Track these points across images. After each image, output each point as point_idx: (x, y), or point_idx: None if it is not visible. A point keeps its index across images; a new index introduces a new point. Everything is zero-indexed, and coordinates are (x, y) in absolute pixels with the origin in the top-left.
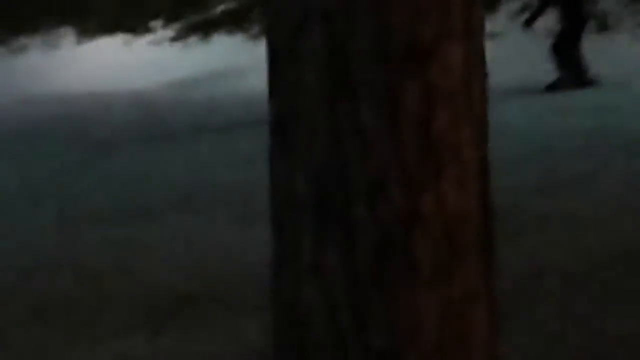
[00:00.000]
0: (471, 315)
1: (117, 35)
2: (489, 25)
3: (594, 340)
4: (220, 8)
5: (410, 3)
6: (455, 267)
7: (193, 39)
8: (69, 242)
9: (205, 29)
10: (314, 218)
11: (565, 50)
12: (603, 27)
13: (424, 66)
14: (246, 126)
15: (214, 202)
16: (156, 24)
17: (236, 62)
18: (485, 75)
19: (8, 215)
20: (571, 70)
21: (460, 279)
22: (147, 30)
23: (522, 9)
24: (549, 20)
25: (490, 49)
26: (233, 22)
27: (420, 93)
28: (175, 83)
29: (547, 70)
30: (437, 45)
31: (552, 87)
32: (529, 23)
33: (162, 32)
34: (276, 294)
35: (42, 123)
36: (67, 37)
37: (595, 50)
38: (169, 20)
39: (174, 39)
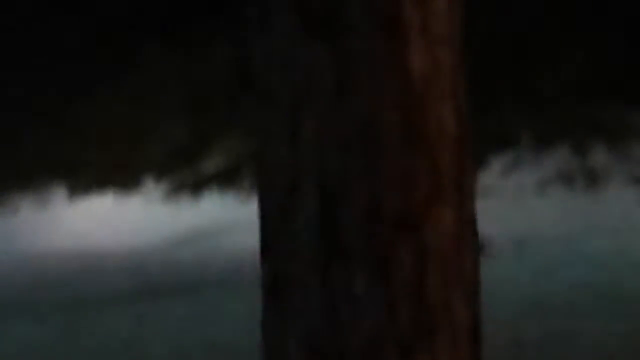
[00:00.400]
0: None
1: (109, 191)
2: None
3: None
4: (211, 167)
5: (401, 168)
6: None
7: (183, 197)
8: None
9: (196, 186)
10: None
11: None
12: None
13: (416, 231)
14: (236, 285)
15: None
16: (147, 179)
17: (226, 220)
18: (476, 234)
19: None
20: None
21: None
22: (138, 185)
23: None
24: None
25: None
26: (225, 179)
27: (413, 257)
28: (166, 241)
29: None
30: (429, 209)
31: None
32: None
33: (153, 188)
34: None
35: (34, 283)
36: (56, 195)
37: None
38: (158, 179)
39: (165, 198)
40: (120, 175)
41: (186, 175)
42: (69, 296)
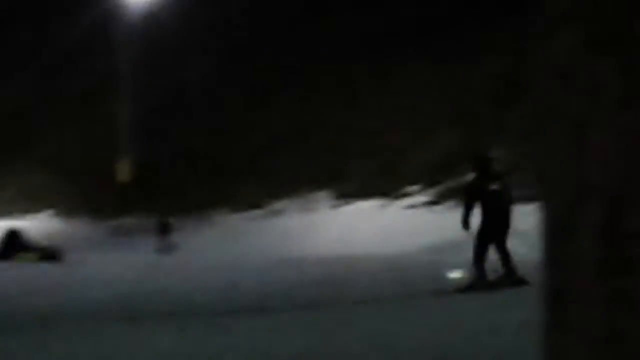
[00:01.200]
0: None
1: (371, 199)
2: None
3: None
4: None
5: None
6: None
7: (448, 203)
8: None
9: (459, 192)
10: None
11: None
12: None
13: None
14: (502, 293)
15: None
16: (412, 189)
17: None
18: None
19: None
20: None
21: None
22: (403, 195)
23: None
24: None
25: None
26: None
27: None
28: (429, 248)
29: None
30: None
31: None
32: (465, 225)
33: (416, 197)
34: None
35: (298, 286)
36: (322, 200)
37: None
38: (424, 186)
39: (429, 204)
40: (384, 184)
41: (451, 183)
42: (334, 296)
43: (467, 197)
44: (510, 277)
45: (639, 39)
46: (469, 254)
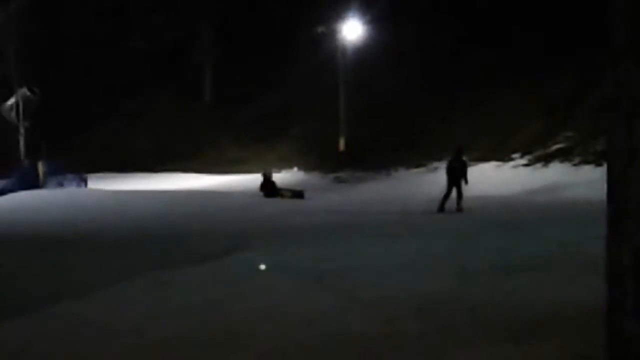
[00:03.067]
0: None
1: (491, 162)
2: None
3: None
4: (555, 147)
5: None
6: None
7: (538, 165)
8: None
9: (546, 158)
10: (634, 277)
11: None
12: None
13: None
14: (570, 218)
15: None
16: (515, 155)
17: (564, 180)
18: None
19: None
20: None
21: None
22: (510, 159)
23: None
24: None
25: None
26: (563, 155)
27: None
28: (526, 190)
29: None
30: None
31: None
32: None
33: (519, 160)
34: (608, 324)
35: (445, 212)
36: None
37: None
38: (523, 154)
39: (526, 165)
40: (499, 153)
41: (540, 152)
42: (466, 221)
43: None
44: (442, 204)
45: None
46: (544, 194)
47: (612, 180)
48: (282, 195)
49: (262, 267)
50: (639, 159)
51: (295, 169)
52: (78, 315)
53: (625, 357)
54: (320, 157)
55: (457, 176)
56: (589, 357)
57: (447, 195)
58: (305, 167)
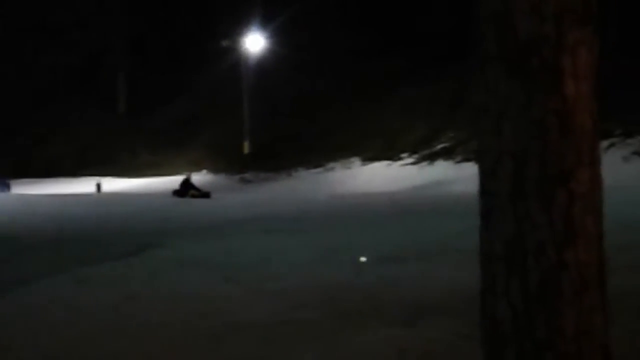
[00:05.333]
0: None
1: (382, 161)
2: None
3: None
4: (440, 146)
5: (556, 155)
6: (584, 291)
7: (424, 163)
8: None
9: (431, 157)
10: (504, 264)
11: None
12: None
13: (566, 182)
14: (451, 209)
15: None
16: (403, 155)
17: (447, 176)
18: (601, 187)
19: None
20: None
21: (587, 298)
22: (399, 158)
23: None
24: None
25: None
26: (446, 153)
27: (565, 195)
28: (414, 187)
29: None
30: (575, 170)
31: None
32: None
33: (407, 159)
34: (482, 307)
35: (342, 208)
36: (355, 162)
37: None
38: (410, 153)
39: (414, 163)
40: (389, 152)
41: (426, 152)
42: (361, 215)
43: None
44: None
45: (535, 70)
46: (430, 190)
47: (483, 177)
48: (192, 196)
49: (175, 262)
50: (505, 157)
51: (204, 171)
52: None
53: (496, 336)
54: (227, 160)
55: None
56: (469, 336)
57: None
58: (214, 169)
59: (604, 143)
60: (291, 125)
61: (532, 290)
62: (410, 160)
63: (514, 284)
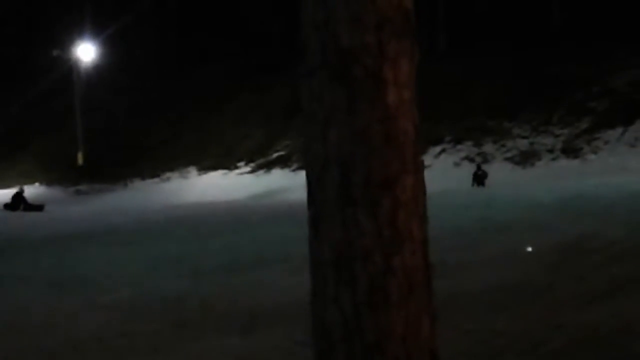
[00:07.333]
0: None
1: (219, 170)
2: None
3: None
4: (276, 154)
5: (381, 162)
6: (411, 294)
7: (261, 172)
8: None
9: (268, 165)
10: (334, 270)
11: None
12: None
13: (391, 189)
14: (289, 219)
15: None
16: (240, 164)
17: (284, 184)
18: (424, 193)
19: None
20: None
21: (414, 301)
22: (236, 167)
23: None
24: None
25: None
26: (282, 162)
27: (390, 202)
28: (251, 196)
29: None
30: (399, 176)
31: None
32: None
33: (244, 168)
34: (313, 313)
35: (179, 218)
36: (192, 172)
37: None
38: (247, 162)
39: (250, 172)
40: (226, 161)
41: (262, 160)
42: (198, 225)
43: None
44: None
45: (359, 79)
46: (267, 198)
47: (311, 185)
48: (24, 209)
49: (5, 278)
50: (331, 164)
51: (37, 184)
52: None
53: (327, 339)
54: (61, 171)
55: None
56: (305, 343)
57: None
58: (47, 181)
59: (436, 149)
60: (126, 135)
61: (361, 295)
62: (247, 169)
63: (343, 289)
